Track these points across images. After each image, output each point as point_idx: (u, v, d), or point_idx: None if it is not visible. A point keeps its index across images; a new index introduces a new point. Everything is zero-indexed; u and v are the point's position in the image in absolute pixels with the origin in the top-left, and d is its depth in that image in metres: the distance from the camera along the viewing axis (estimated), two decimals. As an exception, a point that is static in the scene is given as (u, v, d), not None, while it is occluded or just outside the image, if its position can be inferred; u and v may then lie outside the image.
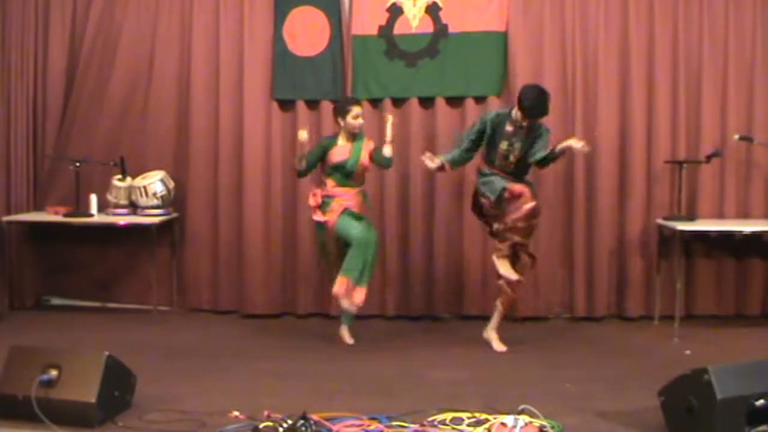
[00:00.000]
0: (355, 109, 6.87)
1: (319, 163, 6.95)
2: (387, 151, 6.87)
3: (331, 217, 6.79)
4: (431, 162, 6.71)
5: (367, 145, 6.93)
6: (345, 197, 6.83)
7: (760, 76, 7.72)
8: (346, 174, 6.85)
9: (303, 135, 6.70)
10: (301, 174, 6.95)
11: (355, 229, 6.69)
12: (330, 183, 6.89)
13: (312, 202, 6.92)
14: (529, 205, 6.50)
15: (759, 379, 4.53)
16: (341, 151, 6.85)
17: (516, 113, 6.50)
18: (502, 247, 6.61)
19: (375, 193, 7.68)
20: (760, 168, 7.75)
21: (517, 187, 6.51)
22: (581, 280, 7.82)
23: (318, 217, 6.87)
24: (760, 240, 7.76)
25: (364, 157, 6.88)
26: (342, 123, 6.89)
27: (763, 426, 4.44)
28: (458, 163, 6.84)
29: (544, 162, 6.50)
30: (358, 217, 6.81)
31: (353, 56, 7.89)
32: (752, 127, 7.71)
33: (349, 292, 6.69)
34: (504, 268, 6.64)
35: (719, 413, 4.35)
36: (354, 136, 6.89)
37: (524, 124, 6.48)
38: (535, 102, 6.46)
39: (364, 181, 7.05)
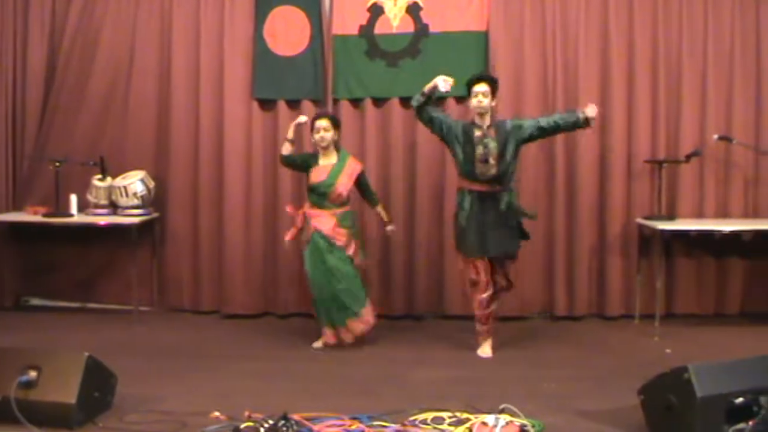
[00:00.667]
0: (317, 123, 6.73)
1: (297, 167, 6.93)
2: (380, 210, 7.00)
3: (305, 236, 6.80)
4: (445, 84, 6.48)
5: (349, 168, 6.76)
6: (317, 219, 6.71)
7: (738, 76, 7.77)
8: (321, 195, 6.72)
9: (302, 118, 6.77)
10: (283, 160, 6.90)
11: (309, 272, 6.76)
12: (307, 204, 6.84)
13: (291, 231, 6.92)
14: (485, 295, 6.58)
15: (738, 378, 4.56)
16: (320, 171, 6.73)
17: (471, 103, 6.52)
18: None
19: (356, 193, 7.70)
20: (739, 168, 7.80)
21: (482, 276, 6.54)
22: (562, 279, 7.84)
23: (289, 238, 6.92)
24: (739, 239, 7.80)
25: (342, 183, 6.71)
26: (312, 139, 6.86)
27: (742, 424, 4.47)
28: (425, 105, 6.59)
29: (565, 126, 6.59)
30: (320, 254, 6.69)
31: (334, 56, 7.88)
32: (731, 127, 7.76)
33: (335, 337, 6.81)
34: (480, 348, 6.74)
35: (699, 411, 4.38)
36: (335, 153, 6.77)
37: (484, 104, 6.46)
38: (476, 74, 6.69)
39: (345, 203, 6.81)
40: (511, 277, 6.84)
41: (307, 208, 6.81)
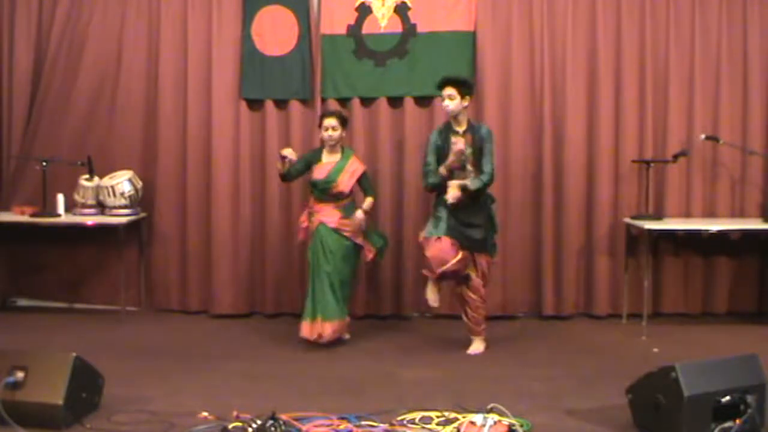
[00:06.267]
0: (326, 121, 6.88)
1: (303, 174, 7.00)
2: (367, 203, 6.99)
3: (310, 229, 6.91)
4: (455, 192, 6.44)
5: (351, 166, 6.89)
6: (322, 213, 6.84)
7: (725, 76, 7.79)
8: (322, 191, 6.84)
9: (287, 151, 6.75)
10: (284, 178, 6.97)
11: (312, 261, 6.85)
12: (311, 199, 6.95)
13: (301, 224, 7.06)
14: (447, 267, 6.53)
15: (725, 377, 4.59)
16: (322, 168, 6.86)
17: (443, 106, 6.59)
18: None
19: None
20: (725, 167, 7.82)
21: (445, 254, 6.46)
22: (549, 278, 7.85)
23: (300, 235, 7.08)
24: (726, 239, 7.83)
25: (343, 181, 6.84)
26: (320, 135, 6.96)
27: (729, 422, 4.49)
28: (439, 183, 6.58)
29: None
30: (326, 243, 6.78)
31: (322, 56, 7.87)
32: (718, 126, 7.78)
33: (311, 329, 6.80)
34: (429, 291, 6.72)
35: (686, 410, 4.40)
36: (340, 151, 6.90)
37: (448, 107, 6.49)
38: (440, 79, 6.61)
39: (349, 196, 6.93)
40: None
41: (311, 203, 6.92)
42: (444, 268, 6.43)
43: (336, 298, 6.77)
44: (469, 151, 6.46)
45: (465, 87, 6.52)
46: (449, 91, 6.46)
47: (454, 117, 6.53)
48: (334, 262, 6.78)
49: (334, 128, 6.82)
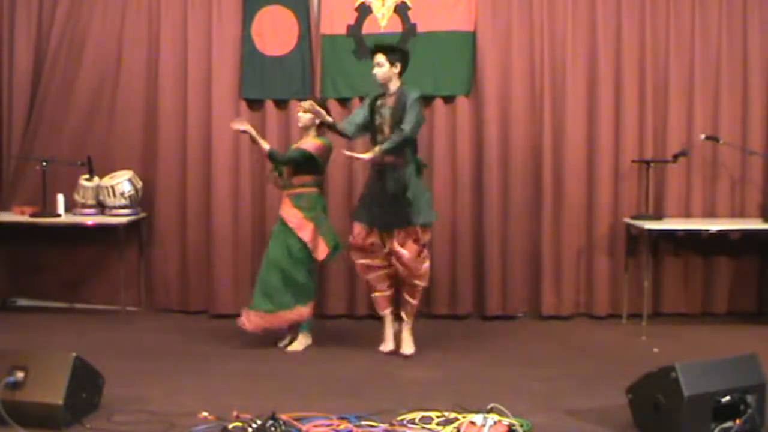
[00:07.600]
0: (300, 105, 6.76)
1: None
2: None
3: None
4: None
5: (304, 143, 6.75)
6: (282, 203, 6.86)
7: (725, 76, 7.79)
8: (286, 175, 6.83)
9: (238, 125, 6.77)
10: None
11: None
12: None
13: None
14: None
15: (725, 376, 4.59)
16: None
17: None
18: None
19: (343, 191, 7.72)
20: (725, 167, 7.83)
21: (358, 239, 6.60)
22: (549, 278, 7.85)
23: None
24: (726, 239, 7.83)
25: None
26: None
27: (729, 422, 4.49)
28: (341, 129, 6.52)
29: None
30: (275, 229, 6.81)
31: (322, 55, 7.88)
32: (718, 126, 7.78)
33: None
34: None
35: (686, 410, 4.40)
36: (310, 136, 6.76)
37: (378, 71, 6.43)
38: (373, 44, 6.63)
39: (306, 185, 6.73)
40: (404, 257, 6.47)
41: None
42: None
43: (264, 285, 6.71)
44: (387, 113, 6.42)
45: (393, 54, 6.44)
46: (379, 58, 6.45)
47: (384, 84, 6.47)
48: (274, 249, 6.72)
49: (305, 110, 6.57)
